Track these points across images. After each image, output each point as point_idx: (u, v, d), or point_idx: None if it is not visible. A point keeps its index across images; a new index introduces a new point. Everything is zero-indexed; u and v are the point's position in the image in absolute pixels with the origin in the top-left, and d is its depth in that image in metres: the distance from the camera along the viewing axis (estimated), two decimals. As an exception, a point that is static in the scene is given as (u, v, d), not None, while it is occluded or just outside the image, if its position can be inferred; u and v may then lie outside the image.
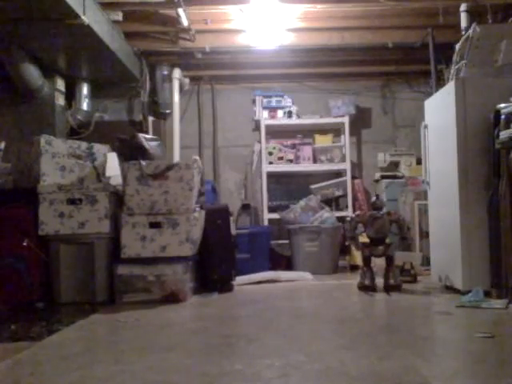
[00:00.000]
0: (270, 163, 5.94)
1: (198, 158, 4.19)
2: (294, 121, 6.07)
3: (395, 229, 4.12)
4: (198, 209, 4.04)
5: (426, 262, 4.63)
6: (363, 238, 4.21)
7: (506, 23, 4.35)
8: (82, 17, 3.83)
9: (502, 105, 3.39)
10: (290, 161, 6.00)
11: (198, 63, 5.79)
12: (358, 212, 4.48)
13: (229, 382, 1.88)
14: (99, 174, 4.24)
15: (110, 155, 4.35)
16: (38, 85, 4.86)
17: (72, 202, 3.79)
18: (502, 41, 3.83)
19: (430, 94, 4.66)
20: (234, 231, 4.51)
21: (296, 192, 5.97)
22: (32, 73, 4.75)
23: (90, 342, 2.70)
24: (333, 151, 6.01)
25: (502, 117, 3.35)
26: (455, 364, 2.10)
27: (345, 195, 5.90)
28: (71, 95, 5.36)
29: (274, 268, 5.14)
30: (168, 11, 4.85)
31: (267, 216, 5.81)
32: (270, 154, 5.96)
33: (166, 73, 5.81)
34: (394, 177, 5.82)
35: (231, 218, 4.42)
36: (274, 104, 6.08)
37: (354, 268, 5.25)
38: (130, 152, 3.95)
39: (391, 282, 3.92)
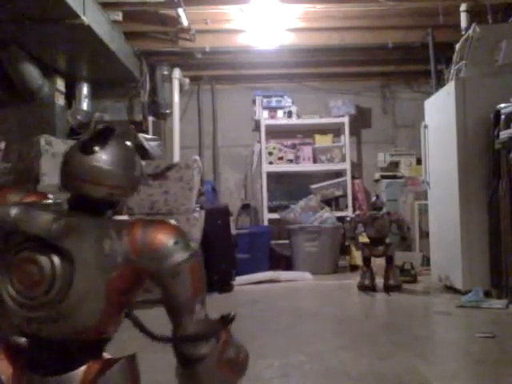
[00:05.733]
0: (270, 163, 5.94)
1: (197, 157, 4.19)
2: (294, 121, 6.06)
3: (395, 229, 4.12)
4: (197, 209, 4.03)
5: (426, 261, 4.63)
6: (363, 238, 4.21)
7: (506, 23, 4.35)
8: (82, 17, 3.82)
9: (502, 105, 3.39)
10: (290, 161, 6.00)
11: (197, 63, 5.78)
12: (357, 212, 4.48)
13: (229, 381, 1.87)
14: (99, 173, 4.23)
15: (110, 155, 4.34)
16: (38, 85, 4.85)
17: (72, 201, 3.77)
18: (502, 41, 3.83)
19: (430, 94, 4.66)
20: (233, 231, 4.51)
21: (296, 192, 5.96)
22: (32, 73, 4.74)
23: (90, 341, 2.69)
24: (333, 151, 6.00)
25: (502, 117, 3.35)
26: (455, 364, 2.10)
27: (345, 195, 5.89)
28: (71, 95, 5.36)
29: (273, 268, 5.14)
30: (168, 11, 4.85)
31: (267, 216, 5.80)
32: (270, 154, 5.96)
33: (165, 73, 5.80)
34: (394, 177, 5.81)
35: (231, 218, 4.42)
36: (273, 104, 6.07)
37: (353, 268, 5.25)
38: (130, 152, 3.94)
39: (391, 282, 3.92)
